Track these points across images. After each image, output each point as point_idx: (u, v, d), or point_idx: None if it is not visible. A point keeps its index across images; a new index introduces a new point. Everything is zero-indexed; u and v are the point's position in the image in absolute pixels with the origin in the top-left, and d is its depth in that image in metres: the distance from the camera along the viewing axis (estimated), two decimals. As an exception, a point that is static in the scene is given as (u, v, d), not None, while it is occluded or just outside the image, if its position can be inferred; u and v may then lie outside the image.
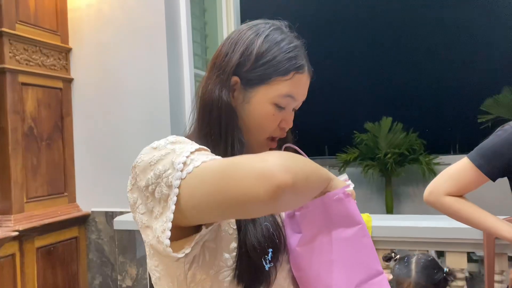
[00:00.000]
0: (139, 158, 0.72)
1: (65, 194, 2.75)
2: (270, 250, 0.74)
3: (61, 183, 2.73)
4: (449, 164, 5.50)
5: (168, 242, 0.65)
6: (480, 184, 1.42)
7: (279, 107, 0.83)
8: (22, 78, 2.47)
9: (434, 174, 6.33)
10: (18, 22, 2.46)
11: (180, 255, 0.67)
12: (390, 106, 7.86)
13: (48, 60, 2.67)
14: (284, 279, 0.81)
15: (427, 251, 2.24)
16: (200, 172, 0.63)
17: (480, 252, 2.21)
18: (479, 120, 6.67)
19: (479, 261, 5.20)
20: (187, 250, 0.67)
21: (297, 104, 0.87)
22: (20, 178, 2.43)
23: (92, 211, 2.77)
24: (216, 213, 0.65)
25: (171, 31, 2.66)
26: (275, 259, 0.75)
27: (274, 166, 0.57)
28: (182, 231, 0.68)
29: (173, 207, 0.64)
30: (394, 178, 6.68)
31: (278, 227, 0.78)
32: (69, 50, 2.80)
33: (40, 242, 2.49)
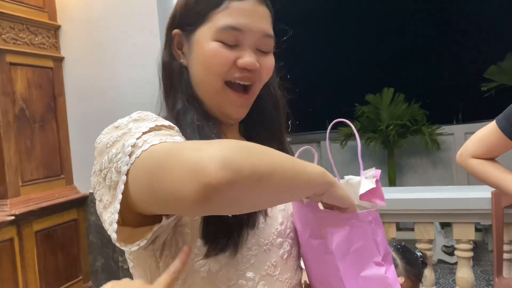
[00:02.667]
0: (99, 139, 0.65)
1: (62, 176, 2.70)
2: None
3: (57, 165, 2.67)
4: (452, 134, 5.42)
5: (115, 236, 0.58)
6: (506, 147, 1.36)
7: (224, 43, 0.71)
8: (9, 58, 2.38)
9: (437, 144, 6.26)
10: (1, -1, 2.35)
11: (134, 247, 0.59)
12: (392, 76, 7.74)
13: (37, 39, 2.57)
14: (279, 257, 0.74)
15: (432, 223, 2.20)
16: (145, 158, 0.55)
17: (484, 221, 2.16)
18: (482, 88, 6.55)
19: (483, 230, 5.20)
20: (143, 243, 0.60)
21: (253, 38, 0.73)
22: (14, 161, 2.37)
23: (90, 193, 2.72)
24: (157, 207, 0.57)
25: (163, 4, 2.55)
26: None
27: (210, 160, 0.46)
28: (142, 219, 0.60)
29: (120, 196, 0.57)
30: (396, 150, 6.61)
31: None
32: (58, 28, 2.70)
33: (39, 225, 2.46)
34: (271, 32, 0.75)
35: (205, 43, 0.72)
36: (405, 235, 4.27)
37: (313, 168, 0.61)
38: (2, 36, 2.35)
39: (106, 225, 0.60)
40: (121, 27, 2.57)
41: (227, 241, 0.66)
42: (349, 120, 0.84)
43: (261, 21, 0.74)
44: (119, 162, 0.58)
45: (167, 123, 0.64)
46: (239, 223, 0.67)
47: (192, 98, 0.74)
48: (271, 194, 0.55)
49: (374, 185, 0.70)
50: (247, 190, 0.50)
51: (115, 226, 0.57)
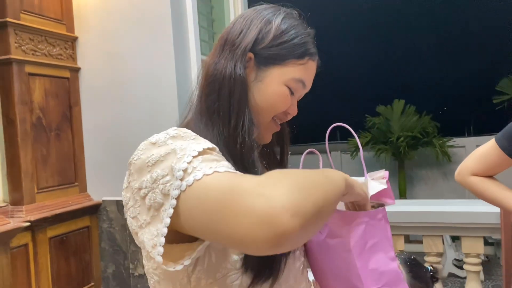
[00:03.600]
0: (136, 155, 0.66)
1: (76, 184, 2.75)
2: None
3: (71, 173, 2.73)
4: (463, 147, 5.40)
5: (160, 259, 0.59)
6: (506, 165, 1.37)
7: (290, 91, 0.81)
8: (28, 68, 2.46)
9: (447, 156, 6.24)
10: (22, 11, 2.43)
11: (178, 267, 0.60)
12: (403, 88, 7.73)
13: (54, 50, 2.64)
14: (297, 269, 0.79)
15: (440, 236, 2.20)
16: (201, 190, 0.56)
17: (493, 236, 2.16)
18: (494, 101, 6.53)
19: (495, 244, 5.14)
20: (187, 262, 0.61)
21: (304, 92, 0.86)
22: (30, 169, 2.43)
23: (103, 200, 2.77)
24: (213, 239, 0.59)
25: (177, 16, 2.61)
26: None
27: (281, 209, 0.47)
28: (181, 235, 0.61)
29: (168, 220, 0.57)
30: (407, 161, 6.60)
31: None
32: (75, 39, 2.77)
33: (52, 232, 2.50)
34: None
35: (277, 84, 0.80)
36: (416, 248, 4.25)
37: (336, 175, 0.65)
38: (22, 47, 2.43)
39: (146, 247, 0.61)
40: (136, 38, 2.63)
41: (270, 273, 0.70)
42: (360, 131, 0.91)
43: (312, 79, 0.86)
44: (167, 185, 0.58)
45: (208, 144, 0.65)
46: (280, 254, 0.71)
47: (247, 116, 0.77)
48: (324, 221, 0.59)
49: (385, 186, 0.75)
50: (312, 227, 0.53)
51: (160, 249, 0.58)
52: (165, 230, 0.58)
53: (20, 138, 2.39)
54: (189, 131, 0.68)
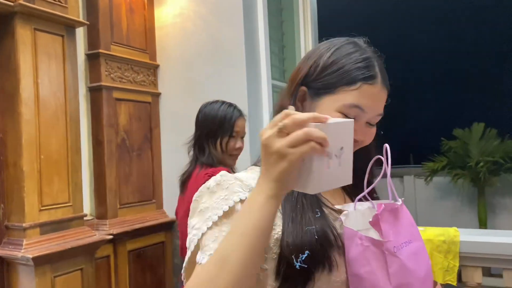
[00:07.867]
0: (196, 195, 0.81)
1: (153, 201, 2.93)
2: (307, 252, 0.71)
3: (150, 190, 2.92)
4: (552, 174, 4.84)
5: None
6: None
7: (346, 117, 0.78)
8: (116, 94, 2.70)
9: (535, 184, 5.76)
10: (112, 43, 2.69)
11: None
12: (482, 110, 7.29)
13: (139, 77, 2.88)
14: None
15: (526, 270, 2.05)
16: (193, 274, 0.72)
17: None
18: None
19: None
20: None
21: (370, 117, 0.82)
22: (114, 185, 2.64)
23: (177, 218, 2.91)
24: None
25: (250, 43, 2.74)
26: (312, 263, 0.72)
27: None
28: None
29: (185, 265, 0.80)
30: (487, 188, 6.16)
31: (328, 235, 0.75)
32: (156, 67, 3.00)
33: (131, 245, 2.68)
34: (382, 111, 0.84)
35: (329, 111, 0.79)
36: (496, 282, 3.94)
37: (255, 212, 0.65)
38: (111, 75, 2.68)
39: None
40: (212, 66, 2.79)
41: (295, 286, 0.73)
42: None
43: (380, 104, 0.83)
44: (191, 236, 0.78)
45: (229, 202, 0.76)
46: (311, 271, 0.72)
47: None
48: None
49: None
50: None
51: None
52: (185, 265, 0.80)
53: (107, 157, 2.61)
54: (228, 178, 0.80)
